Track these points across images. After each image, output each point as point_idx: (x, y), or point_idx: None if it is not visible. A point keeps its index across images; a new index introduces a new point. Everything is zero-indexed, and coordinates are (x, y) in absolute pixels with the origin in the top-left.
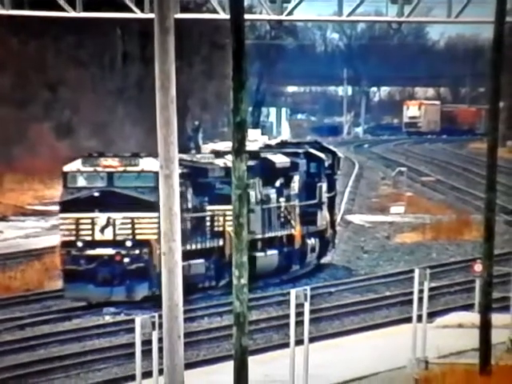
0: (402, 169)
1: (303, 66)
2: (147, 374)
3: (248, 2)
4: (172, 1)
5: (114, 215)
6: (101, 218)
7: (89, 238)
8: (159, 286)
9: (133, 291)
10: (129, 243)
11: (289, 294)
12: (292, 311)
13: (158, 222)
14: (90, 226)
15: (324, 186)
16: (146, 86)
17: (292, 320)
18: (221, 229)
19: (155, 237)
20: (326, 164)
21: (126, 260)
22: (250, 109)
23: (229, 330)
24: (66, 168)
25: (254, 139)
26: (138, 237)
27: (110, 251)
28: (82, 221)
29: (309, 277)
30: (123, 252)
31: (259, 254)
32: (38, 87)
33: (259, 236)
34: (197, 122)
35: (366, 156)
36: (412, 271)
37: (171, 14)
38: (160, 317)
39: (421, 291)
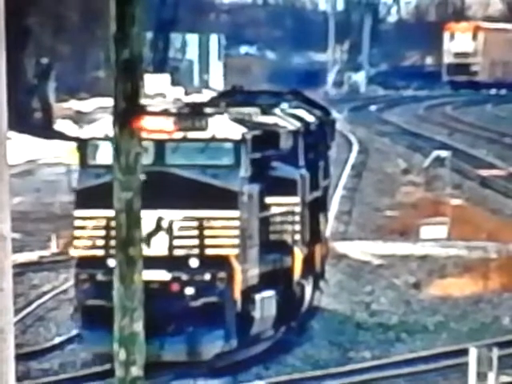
0: (443, 154)
1: None
2: None
3: None
4: None
5: (168, 214)
6: (146, 218)
7: None
8: (241, 337)
9: (199, 346)
10: (194, 262)
11: None
12: None
13: (242, 227)
14: None
15: (322, 167)
16: None
17: None
18: (288, 238)
19: (236, 251)
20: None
21: (189, 291)
22: (150, 35)
23: None
24: (85, 133)
25: (158, 92)
26: (209, 251)
27: (161, 276)
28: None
29: (263, 360)
30: (184, 277)
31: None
32: None
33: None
34: (46, 60)
35: (372, 128)
36: (464, 352)
37: None
38: None
39: None
